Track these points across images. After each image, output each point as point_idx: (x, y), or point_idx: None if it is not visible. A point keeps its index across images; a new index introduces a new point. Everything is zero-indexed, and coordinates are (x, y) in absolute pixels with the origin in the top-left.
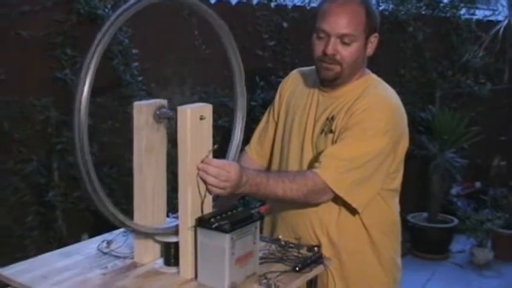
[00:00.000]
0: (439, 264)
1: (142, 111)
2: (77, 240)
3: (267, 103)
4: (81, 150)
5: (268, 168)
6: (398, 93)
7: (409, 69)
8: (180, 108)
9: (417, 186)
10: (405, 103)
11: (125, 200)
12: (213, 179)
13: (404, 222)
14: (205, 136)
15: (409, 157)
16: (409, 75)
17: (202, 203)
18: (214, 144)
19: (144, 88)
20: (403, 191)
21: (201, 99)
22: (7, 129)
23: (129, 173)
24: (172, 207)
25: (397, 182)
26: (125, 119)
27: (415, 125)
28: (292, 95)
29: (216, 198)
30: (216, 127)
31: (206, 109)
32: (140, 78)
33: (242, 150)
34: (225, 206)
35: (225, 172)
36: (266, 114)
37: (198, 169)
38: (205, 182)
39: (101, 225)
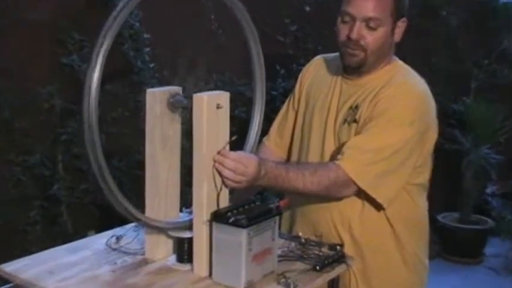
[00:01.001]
0: (471, 269)
1: (156, 98)
2: (83, 236)
3: (287, 92)
4: (91, 141)
5: (288, 160)
6: (428, 83)
7: (441, 57)
8: (195, 96)
9: (448, 183)
10: (436, 94)
11: (134, 194)
12: (229, 172)
13: (433, 221)
14: (222, 126)
15: (439, 151)
16: (440, 64)
17: (218, 196)
18: (231, 136)
19: (156, 75)
20: (432, 188)
21: (217, 88)
22: (9, 118)
23: (139, 166)
24: (185, 202)
25: (424, 177)
26: (135, 107)
27: (447, 118)
28: (314, 82)
29: (233, 191)
30: (232, 117)
31: (223, 97)
32: (152, 65)
33: (260, 142)
34: (242, 199)
35: (242, 166)
36: (286, 103)
37: (214, 161)
38: (221, 175)
39: (108, 221)
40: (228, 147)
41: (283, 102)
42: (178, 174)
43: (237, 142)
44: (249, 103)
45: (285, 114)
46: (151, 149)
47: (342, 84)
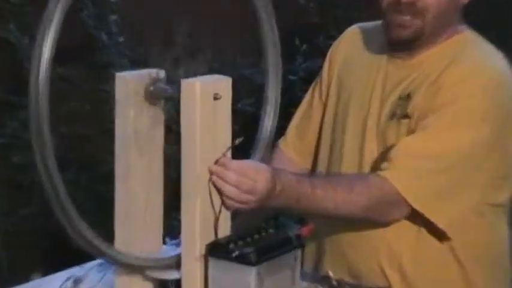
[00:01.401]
0: None
1: (129, 86)
2: (25, 281)
3: (312, 77)
4: (39, 145)
5: (313, 171)
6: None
7: None
8: (184, 82)
9: None
10: None
11: (98, 219)
12: (232, 189)
13: None
14: (221, 125)
15: None
16: None
17: (216, 221)
18: (234, 138)
19: (127, 53)
20: None
21: (213, 72)
22: None
23: (106, 181)
24: (170, 230)
25: (506, 194)
26: (100, 99)
27: None
28: (348, 62)
29: (236, 215)
30: (236, 112)
31: (223, 84)
32: (121, 39)
33: (275, 146)
34: (249, 226)
35: (249, 180)
36: (310, 93)
37: (211, 173)
38: (221, 193)
39: (61, 258)
40: (229, 155)
41: (305, 91)
42: (161, 191)
43: (242, 147)
44: (258, 92)
45: (308, 107)
46: (122, 158)
47: (388, 66)
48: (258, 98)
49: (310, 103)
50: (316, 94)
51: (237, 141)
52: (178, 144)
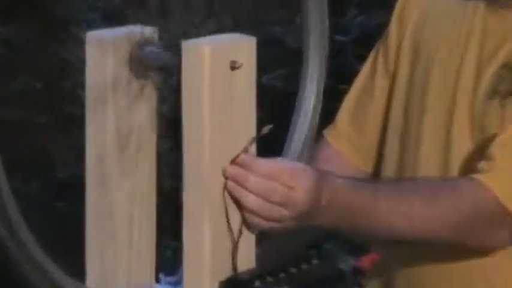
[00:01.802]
0: None
1: (105, 51)
2: None
3: (369, 37)
4: None
5: (375, 175)
6: None
7: None
8: (187, 45)
9: None
10: None
11: (60, 247)
12: (258, 200)
13: None
14: (241, 107)
15: None
16: None
17: (234, 249)
18: (260, 126)
19: (99, 5)
20: None
21: (225, 30)
22: None
23: (70, 191)
24: (166, 262)
25: None
26: (59, 71)
27: None
28: (428, 18)
29: (263, 238)
30: (261, 89)
31: (244, 47)
32: None
33: (319, 138)
34: (282, 254)
35: (283, 187)
36: (369, 62)
37: (227, 178)
38: (241, 206)
39: None
40: (253, 151)
41: (361, 58)
42: (154, 206)
43: (271, 139)
44: (293, 60)
45: (368, 83)
46: (97, 157)
47: (485, 20)
48: (293, 69)
49: (370, 77)
50: (380, 64)
51: (264, 131)
52: (177, 137)
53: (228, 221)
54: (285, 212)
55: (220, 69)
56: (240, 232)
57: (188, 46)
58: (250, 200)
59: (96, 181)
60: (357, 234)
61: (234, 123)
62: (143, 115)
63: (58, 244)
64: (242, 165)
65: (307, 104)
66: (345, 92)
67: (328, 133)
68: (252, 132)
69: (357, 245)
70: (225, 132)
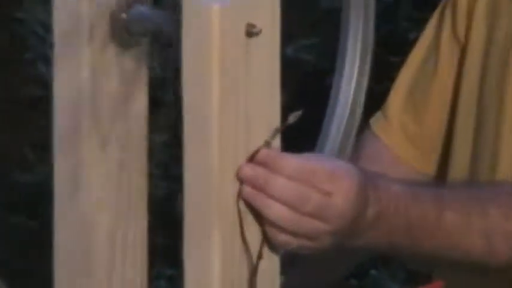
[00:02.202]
0: None
1: (79, 13)
2: None
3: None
4: None
5: (439, 178)
6: None
7: None
8: (189, 4)
9: None
10: None
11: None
12: (284, 212)
13: None
14: (260, 87)
15: None
16: None
17: (252, 276)
18: (287, 112)
19: None
20: None
21: None
22: None
23: (28, 199)
24: None
25: None
26: (9, 43)
27: None
28: None
29: (291, 262)
30: (286, 62)
31: (265, 6)
32: None
33: (364, 129)
34: (316, 284)
35: (317, 193)
36: (431, 28)
37: (242, 180)
38: (262, 219)
39: None
40: (277, 144)
41: (419, 22)
42: (144, 220)
43: (300, 130)
44: (327, 25)
45: (430, 56)
46: (67, 154)
47: None
48: (327, 37)
49: (432, 48)
50: (445, 31)
51: (291, 119)
52: (174, 129)
53: (244, 240)
54: (320, 226)
55: (233, 36)
56: (260, 255)
57: (191, 5)
58: (275, 211)
59: (66, 183)
60: (415, 258)
61: (250, 108)
62: (130, 96)
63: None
64: (263, 164)
65: (347, 83)
66: (398, 66)
67: (376, 123)
68: (275, 120)
69: (413, 271)
70: (239, 121)
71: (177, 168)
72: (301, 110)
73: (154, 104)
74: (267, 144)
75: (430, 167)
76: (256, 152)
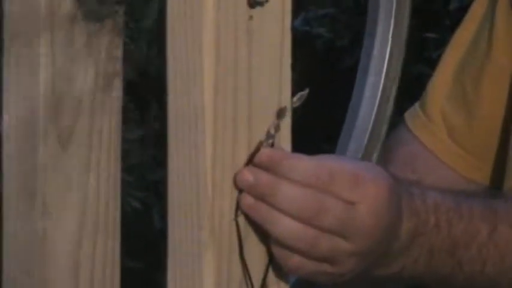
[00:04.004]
0: None
1: None
2: None
3: None
4: None
5: (494, 187)
6: None
7: None
8: None
9: None
10: None
11: None
12: (296, 227)
13: None
14: (266, 68)
15: None
16: None
17: None
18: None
19: None
20: None
21: None
22: None
23: None
24: None
25: None
26: None
27: None
28: None
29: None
30: (298, 39)
31: None
32: None
33: (398, 123)
34: None
35: (338, 204)
36: (481, 3)
37: (241, 188)
38: (266, 235)
39: None
40: (288, 140)
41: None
42: (117, 239)
43: (313, 124)
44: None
45: (482, 36)
46: (17, 161)
47: None
48: (343, 7)
49: (486, 24)
50: (501, 4)
51: (295, 102)
52: (157, 124)
53: (244, 264)
54: (341, 245)
55: (232, 7)
56: (265, 282)
57: None
58: (283, 226)
59: (19, 199)
60: (460, 285)
61: (254, 97)
62: (105, 87)
63: None
64: (268, 167)
65: (376, 67)
66: (438, 44)
67: (413, 118)
68: (284, 101)
69: None
70: (239, 114)
71: (157, 173)
72: (307, 89)
73: (130, 93)
74: (270, 138)
75: (480, 174)
76: (257, 150)
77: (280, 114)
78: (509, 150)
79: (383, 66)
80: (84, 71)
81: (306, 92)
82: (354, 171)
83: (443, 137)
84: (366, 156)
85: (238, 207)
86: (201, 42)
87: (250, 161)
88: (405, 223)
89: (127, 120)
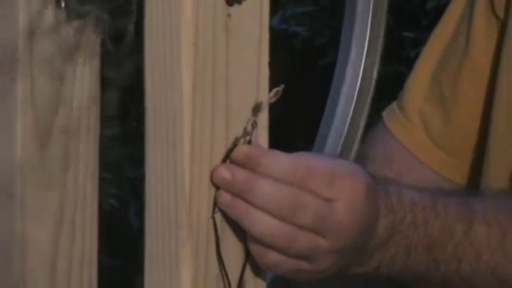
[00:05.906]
0: None
1: None
2: None
3: None
4: None
5: (472, 187)
6: None
7: None
8: None
9: None
10: None
11: None
12: (273, 224)
13: None
14: (244, 66)
15: None
16: None
17: None
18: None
19: None
20: None
21: None
22: None
23: None
24: None
25: None
26: None
27: None
28: None
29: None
30: (276, 37)
31: None
32: None
33: (376, 121)
34: None
35: (316, 201)
36: (460, 1)
37: (219, 185)
38: (244, 233)
39: None
40: (265, 138)
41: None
42: (94, 238)
43: (290, 123)
44: None
45: (460, 33)
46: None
47: None
48: (322, 5)
49: (463, 22)
50: (480, 2)
51: (272, 98)
52: (135, 123)
53: (220, 261)
54: (318, 242)
55: (210, 4)
56: (242, 279)
57: None
58: (261, 223)
59: None
60: (437, 283)
61: (231, 95)
62: (78, 88)
63: None
64: (245, 164)
65: (353, 66)
66: (415, 43)
67: (391, 116)
68: (263, 97)
69: None
70: (216, 111)
71: (134, 169)
72: (282, 85)
73: (107, 84)
74: (247, 134)
75: (457, 174)
76: (234, 146)
77: (255, 109)
78: (487, 149)
79: (360, 65)
80: (57, 56)
81: (281, 87)
82: (331, 168)
83: (421, 136)
84: (343, 154)
85: (216, 203)
86: (179, 40)
87: (227, 158)
88: (382, 220)
89: (104, 117)
